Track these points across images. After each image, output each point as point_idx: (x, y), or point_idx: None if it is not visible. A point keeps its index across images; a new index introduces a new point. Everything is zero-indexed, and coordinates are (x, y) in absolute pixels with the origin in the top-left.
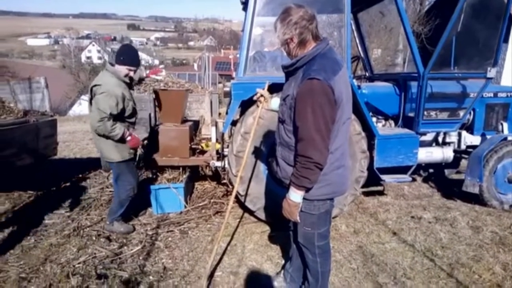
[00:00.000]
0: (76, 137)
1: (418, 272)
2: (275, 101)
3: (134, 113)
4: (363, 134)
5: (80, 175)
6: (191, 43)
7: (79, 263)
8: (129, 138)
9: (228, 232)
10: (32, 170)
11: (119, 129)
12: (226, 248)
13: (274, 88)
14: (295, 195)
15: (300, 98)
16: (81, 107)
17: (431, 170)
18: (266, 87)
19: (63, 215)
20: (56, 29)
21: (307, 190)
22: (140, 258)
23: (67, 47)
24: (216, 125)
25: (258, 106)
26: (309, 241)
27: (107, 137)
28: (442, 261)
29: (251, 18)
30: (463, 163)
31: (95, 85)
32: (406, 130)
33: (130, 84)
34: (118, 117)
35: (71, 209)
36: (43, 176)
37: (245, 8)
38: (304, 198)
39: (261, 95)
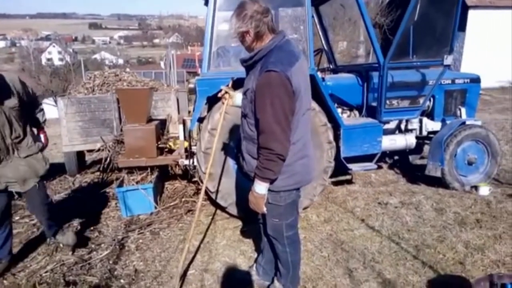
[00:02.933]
0: None
1: (386, 255)
2: (239, 97)
3: None
4: (328, 125)
5: (44, 182)
6: (156, 41)
7: (46, 272)
8: None
9: (200, 230)
10: None
11: None
12: (198, 246)
13: (239, 84)
14: (260, 187)
15: (258, 91)
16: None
17: (396, 157)
18: (230, 84)
19: (27, 224)
20: (12, 31)
21: (272, 181)
22: (110, 262)
23: (26, 49)
24: (183, 123)
25: (223, 103)
26: (278, 232)
27: None
28: (408, 244)
29: (213, 13)
30: (427, 148)
31: None
32: (369, 120)
33: None
34: None
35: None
36: None
37: (206, 3)
38: (270, 190)
39: (226, 92)
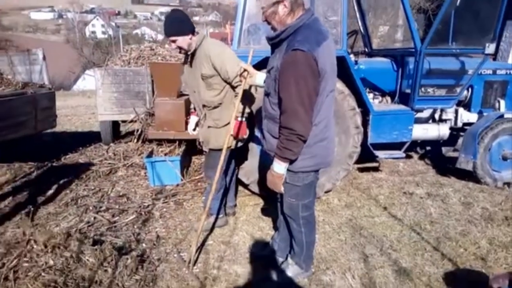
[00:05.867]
0: (78, 111)
1: (404, 244)
2: (260, 76)
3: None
4: (357, 110)
5: (80, 148)
6: (195, 18)
7: (75, 231)
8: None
9: None
10: (32, 141)
11: None
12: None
13: (263, 64)
14: (278, 167)
15: (283, 69)
16: (85, 82)
17: (428, 148)
18: (249, 59)
19: (62, 186)
20: (59, 3)
21: (291, 162)
22: (135, 227)
23: (71, 22)
24: None
25: (241, 82)
26: (293, 212)
27: None
28: (429, 235)
29: None
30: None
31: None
32: (401, 106)
33: (187, 57)
34: None
35: (70, 180)
36: (44, 148)
37: None
38: (288, 170)
39: (245, 70)
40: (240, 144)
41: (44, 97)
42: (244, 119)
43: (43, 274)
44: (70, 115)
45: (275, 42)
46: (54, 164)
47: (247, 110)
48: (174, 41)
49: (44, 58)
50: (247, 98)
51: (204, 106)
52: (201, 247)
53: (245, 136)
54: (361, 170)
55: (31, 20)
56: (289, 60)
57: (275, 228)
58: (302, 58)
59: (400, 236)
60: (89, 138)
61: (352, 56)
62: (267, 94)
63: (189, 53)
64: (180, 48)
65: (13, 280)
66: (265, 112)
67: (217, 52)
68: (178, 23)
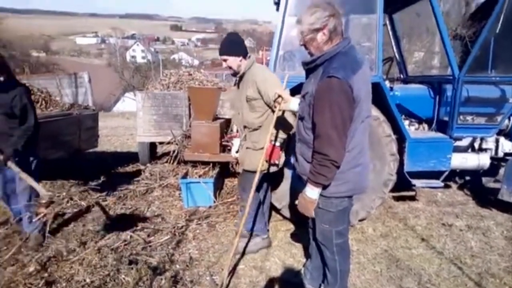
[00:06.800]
0: (118, 132)
1: (444, 279)
2: (295, 102)
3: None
4: (393, 136)
5: (119, 167)
6: None
7: (112, 249)
8: None
9: None
10: (74, 160)
11: None
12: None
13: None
14: (311, 192)
15: (318, 95)
16: (124, 104)
17: (467, 177)
18: (284, 84)
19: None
20: (103, 29)
21: (325, 187)
22: (169, 247)
23: (113, 46)
24: None
25: (275, 107)
26: (327, 239)
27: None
28: (470, 270)
29: (283, 17)
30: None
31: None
32: (439, 134)
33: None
34: None
35: (108, 198)
36: (85, 166)
37: (278, 8)
38: (321, 195)
39: (279, 96)
40: (274, 169)
41: (88, 118)
42: (278, 143)
43: None
44: (109, 135)
45: (310, 67)
46: (93, 182)
47: (283, 135)
48: (225, 60)
49: (89, 80)
50: (283, 123)
51: (245, 127)
52: (233, 271)
53: (281, 161)
54: (397, 198)
55: (76, 44)
56: (324, 86)
57: (307, 255)
58: (337, 85)
59: (439, 269)
60: (127, 158)
61: (387, 82)
62: (301, 118)
63: (238, 75)
64: (230, 67)
65: None
66: (298, 135)
67: (263, 78)
68: (232, 45)
